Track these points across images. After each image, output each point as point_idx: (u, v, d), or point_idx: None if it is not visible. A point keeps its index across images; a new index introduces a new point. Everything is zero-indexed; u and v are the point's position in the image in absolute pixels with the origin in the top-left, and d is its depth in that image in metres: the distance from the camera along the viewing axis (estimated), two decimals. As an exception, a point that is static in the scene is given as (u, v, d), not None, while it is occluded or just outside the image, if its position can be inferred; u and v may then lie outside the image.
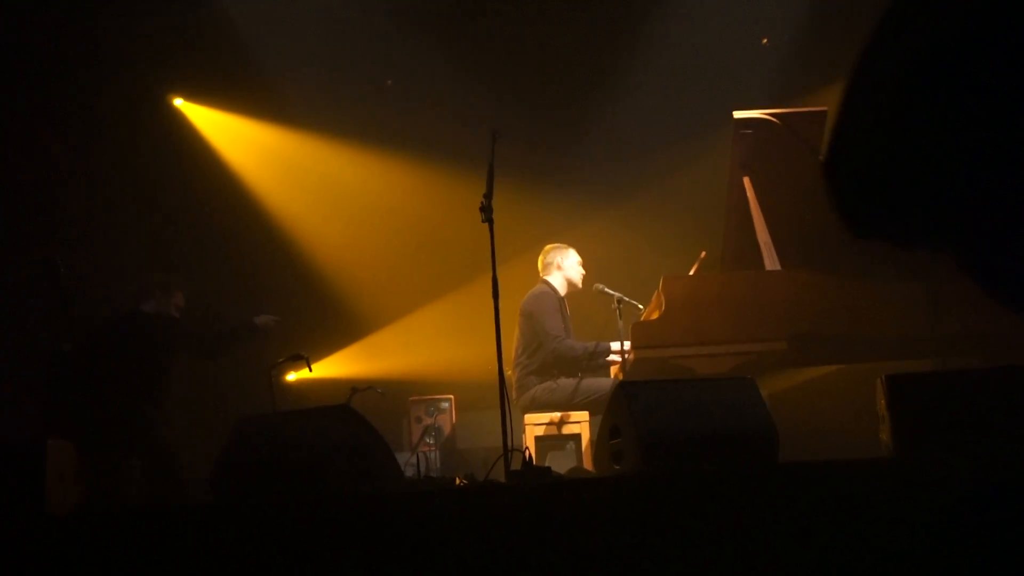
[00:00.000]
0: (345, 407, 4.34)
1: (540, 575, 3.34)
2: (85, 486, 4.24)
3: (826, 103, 6.13)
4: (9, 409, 6.68)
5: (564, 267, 6.57)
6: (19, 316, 6.91)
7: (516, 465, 4.36)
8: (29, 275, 6.04)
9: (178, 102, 8.50)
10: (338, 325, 8.53)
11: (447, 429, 7.44)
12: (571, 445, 6.19)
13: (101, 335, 6.05)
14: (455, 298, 8.34)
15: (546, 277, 6.60)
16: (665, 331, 5.52)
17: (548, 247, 6.69)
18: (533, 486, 3.91)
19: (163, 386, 6.04)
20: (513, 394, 6.23)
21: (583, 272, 6.61)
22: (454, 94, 8.15)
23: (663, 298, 5.58)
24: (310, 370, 6.31)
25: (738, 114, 5.79)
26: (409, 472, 6.07)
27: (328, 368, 8.25)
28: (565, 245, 6.67)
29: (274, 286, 8.44)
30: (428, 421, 7.40)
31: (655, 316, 5.69)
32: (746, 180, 5.88)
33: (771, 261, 5.68)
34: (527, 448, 5.27)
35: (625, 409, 3.96)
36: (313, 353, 6.63)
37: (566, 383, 6.17)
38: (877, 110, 1.42)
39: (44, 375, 5.82)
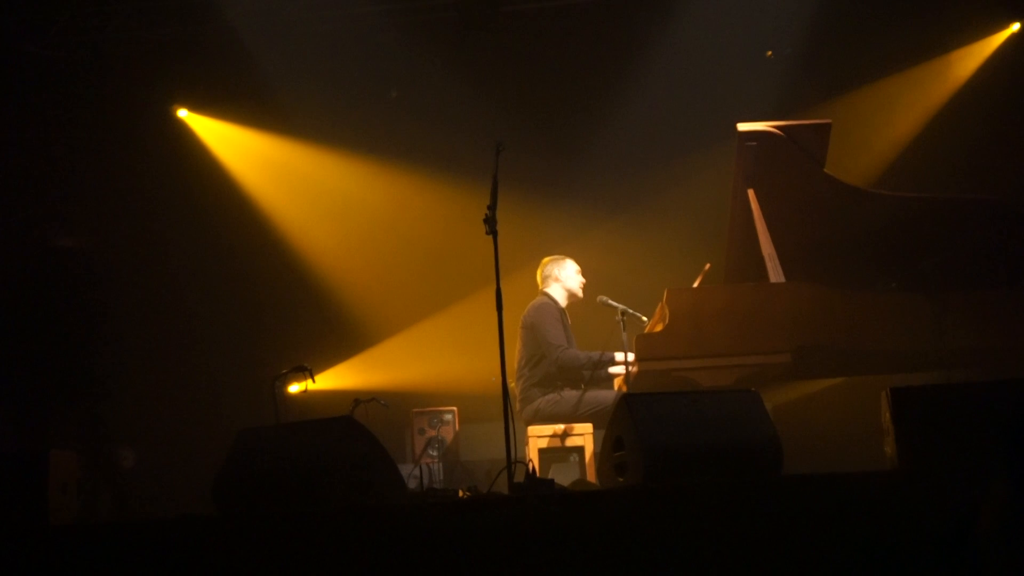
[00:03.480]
0: (348, 419, 4.33)
1: (543, 588, 3.33)
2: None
3: (830, 115, 6.13)
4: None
5: (562, 278, 6.51)
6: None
7: (519, 477, 4.34)
8: None
9: (183, 113, 8.51)
10: (341, 337, 8.51)
11: (450, 441, 7.42)
12: (575, 457, 6.17)
13: None
14: (458, 310, 8.32)
15: (545, 290, 6.55)
16: (669, 343, 5.51)
17: (545, 260, 6.62)
18: (536, 498, 3.89)
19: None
20: (516, 406, 6.21)
21: (583, 280, 6.53)
22: (458, 106, 8.14)
23: (667, 310, 5.57)
24: (313, 381, 6.31)
25: (742, 126, 5.78)
26: (412, 484, 6.05)
27: (331, 380, 8.24)
28: (562, 256, 6.59)
29: (278, 297, 8.45)
30: (431, 433, 7.39)
31: (659, 328, 5.68)
32: (750, 192, 5.86)
33: (775, 274, 5.66)
34: (530, 460, 5.26)
35: (629, 421, 3.96)
36: (316, 365, 6.62)
37: (570, 395, 6.14)
38: None
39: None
